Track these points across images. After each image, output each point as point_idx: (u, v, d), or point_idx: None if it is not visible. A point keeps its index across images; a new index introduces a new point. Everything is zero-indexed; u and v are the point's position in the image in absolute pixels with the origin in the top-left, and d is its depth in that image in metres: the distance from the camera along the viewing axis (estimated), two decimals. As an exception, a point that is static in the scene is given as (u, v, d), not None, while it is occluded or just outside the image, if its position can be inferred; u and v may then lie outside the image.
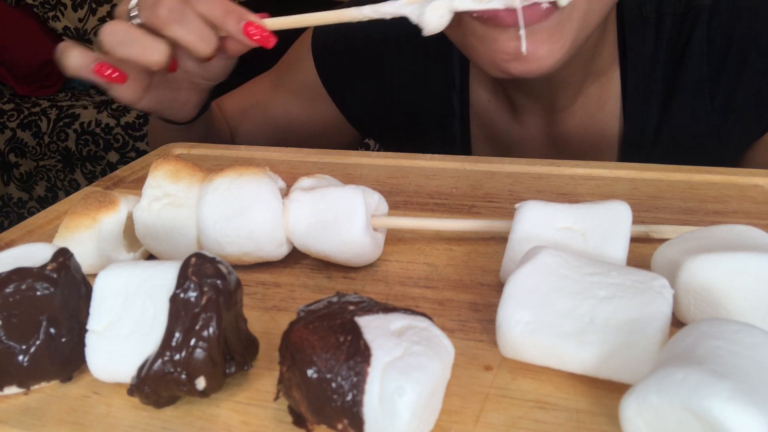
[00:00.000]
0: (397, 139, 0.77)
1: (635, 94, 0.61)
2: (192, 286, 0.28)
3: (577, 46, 0.50)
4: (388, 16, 0.47)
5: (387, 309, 0.27)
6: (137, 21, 0.50)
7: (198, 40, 0.50)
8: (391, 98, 0.73)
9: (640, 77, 0.60)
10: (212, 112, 0.72)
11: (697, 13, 0.57)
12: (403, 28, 0.69)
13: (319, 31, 0.75)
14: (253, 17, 0.50)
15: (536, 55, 0.47)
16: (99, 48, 0.52)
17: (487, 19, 0.46)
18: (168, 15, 0.49)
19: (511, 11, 0.44)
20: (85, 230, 0.39)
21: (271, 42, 0.50)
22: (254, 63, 0.83)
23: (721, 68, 0.58)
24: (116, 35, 0.50)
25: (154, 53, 0.50)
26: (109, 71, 0.51)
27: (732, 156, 0.63)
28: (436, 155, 0.58)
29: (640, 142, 0.63)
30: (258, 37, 0.50)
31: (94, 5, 2.06)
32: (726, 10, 0.57)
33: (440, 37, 0.51)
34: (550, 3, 0.44)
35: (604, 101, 0.63)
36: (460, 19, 0.48)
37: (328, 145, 0.80)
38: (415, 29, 0.47)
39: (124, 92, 0.54)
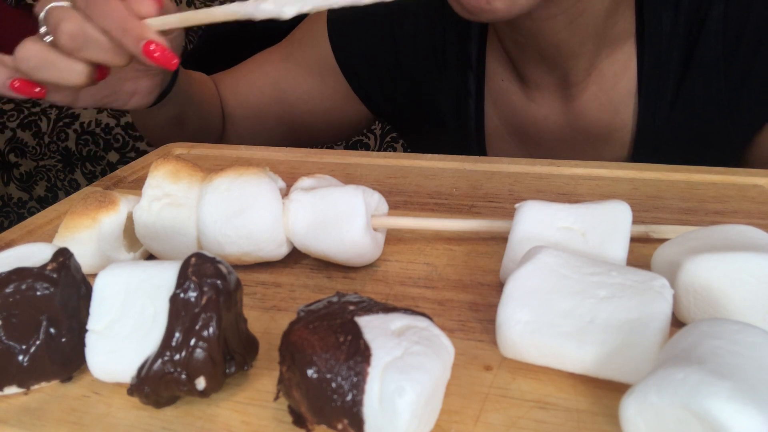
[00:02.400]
0: (409, 120, 0.76)
1: (652, 71, 0.61)
2: (192, 286, 0.28)
3: None
4: (264, 16, 0.40)
5: (387, 309, 0.28)
6: (49, 39, 0.46)
7: (111, 57, 0.46)
8: (405, 77, 0.72)
9: (657, 54, 0.60)
10: (198, 89, 0.70)
11: None
12: (424, 5, 0.69)
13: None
14: (152, 35, 0.45)
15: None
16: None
17: None
18: (70, 42, 0.45)
19: None
20: (85, 230, 0.39)
21: (174, 63, 0.46)
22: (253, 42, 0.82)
23: (736, 47, 0.58)
24: (30, 60, 0.46)
25: (72, 75, 0.46)
26: (28, 87, 0.48)
27: (742, 139, 0.63)
28: (436, 155, 0.58)
29: (654, 119, 0.63)
30: (159, 55, 0.45)
31: (94, 5, 2.06)
32: None
33: (459, 17, 0.52)
34: None
35: (618, 77, 0.63)
36: None
37: (337, 123, 0.79)
38: (437, 6, 0.46)
39: (53, 99, 0.51)
